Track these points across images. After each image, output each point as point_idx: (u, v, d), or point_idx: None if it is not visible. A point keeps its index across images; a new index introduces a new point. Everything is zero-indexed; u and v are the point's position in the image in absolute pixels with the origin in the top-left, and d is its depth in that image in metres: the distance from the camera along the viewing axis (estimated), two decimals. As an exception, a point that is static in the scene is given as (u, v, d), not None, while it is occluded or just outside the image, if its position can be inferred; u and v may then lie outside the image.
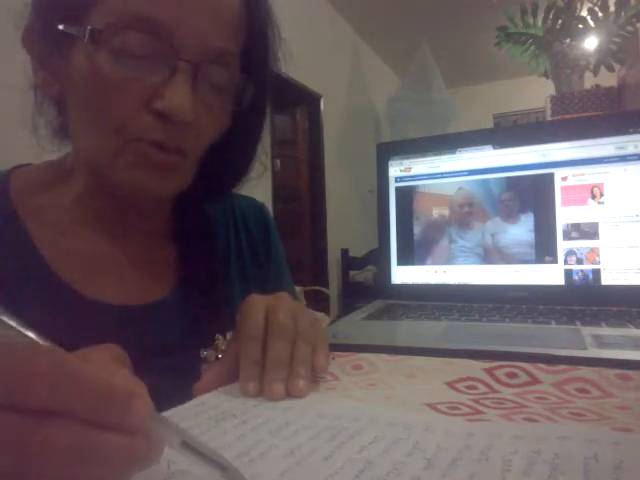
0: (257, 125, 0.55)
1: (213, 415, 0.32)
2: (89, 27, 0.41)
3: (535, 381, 0.37)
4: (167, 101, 0.42)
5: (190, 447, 0.23)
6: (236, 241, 0.63)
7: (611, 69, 2.61)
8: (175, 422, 0.24)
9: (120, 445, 0.21)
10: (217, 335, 0.52)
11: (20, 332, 0.22)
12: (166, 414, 0.32)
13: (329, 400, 0.35)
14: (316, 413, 0.32)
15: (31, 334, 0.22)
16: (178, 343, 0.50)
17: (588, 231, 0.67)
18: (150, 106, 0.43)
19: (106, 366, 0.29)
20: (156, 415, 0.23)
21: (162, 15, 0.41)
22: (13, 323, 0.22)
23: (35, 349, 0.22)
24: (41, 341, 0.22)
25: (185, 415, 0.32)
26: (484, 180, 0.73)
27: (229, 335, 0.53)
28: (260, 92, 0.51)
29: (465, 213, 0.74)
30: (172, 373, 0.46)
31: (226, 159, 0.54)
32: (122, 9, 0.41)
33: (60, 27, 0.43)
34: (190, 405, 0.34)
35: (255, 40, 0.49)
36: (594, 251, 0.66)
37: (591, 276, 0.66)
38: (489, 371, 0.39)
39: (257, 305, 0.40)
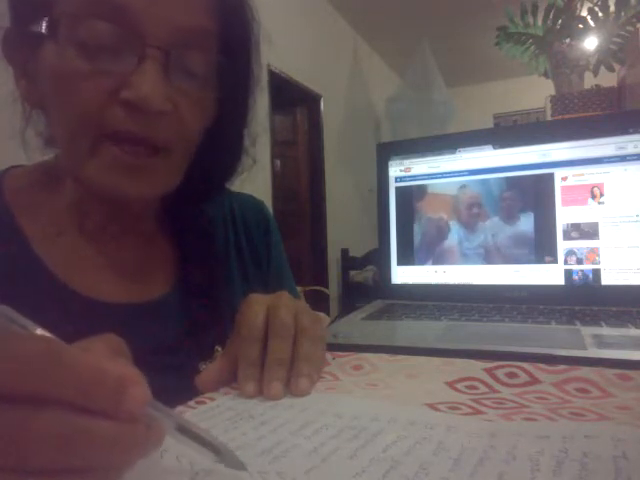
0: (241, 113, 0.52)
1: (230, 417, 0.31)
2: (45, 19, 0.40)
3: (535, 381, 0.37)
4: (135, 90, 0.40)
5: (185, 431, 0.23)
6: (235, 240, 0.62)
7: (611, 69, 2.61)
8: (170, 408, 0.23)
9: (113, 432, 0.20)
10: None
11: (21, 324, 0.22)
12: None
13: (346, 400, 0.35)
14: (334, 413, 0.32)
15: (30, 325, 0.22)
16: (176, 342, 0.50)
17: (588, 231, 0.67)
18: (118, 97, 0.40)
19: (102, 355, 0.28)
20: (152, 401, 0.23)
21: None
22: (14, 315, 0.22)
23: (26, 337, 0.22)
24: (38, 331, 0.22)
25: (201, 417, 0.32)
26: (484, 180, 0.73)
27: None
28: (242, 75, 0.49)
29: (474, 214, 0.74)
30: (169, 372, 0.46)
31: (212, 153, 0.51)
32: None
33: (27, 28, 0.42)
34: (205, 408, 0.34)
35: (230, 20, 0.47)
36: (594, 251, 0.66)
37: (591, 276, 0.66)
38: (489, 371, 0.39)
39: (257, 305, 0.39)
